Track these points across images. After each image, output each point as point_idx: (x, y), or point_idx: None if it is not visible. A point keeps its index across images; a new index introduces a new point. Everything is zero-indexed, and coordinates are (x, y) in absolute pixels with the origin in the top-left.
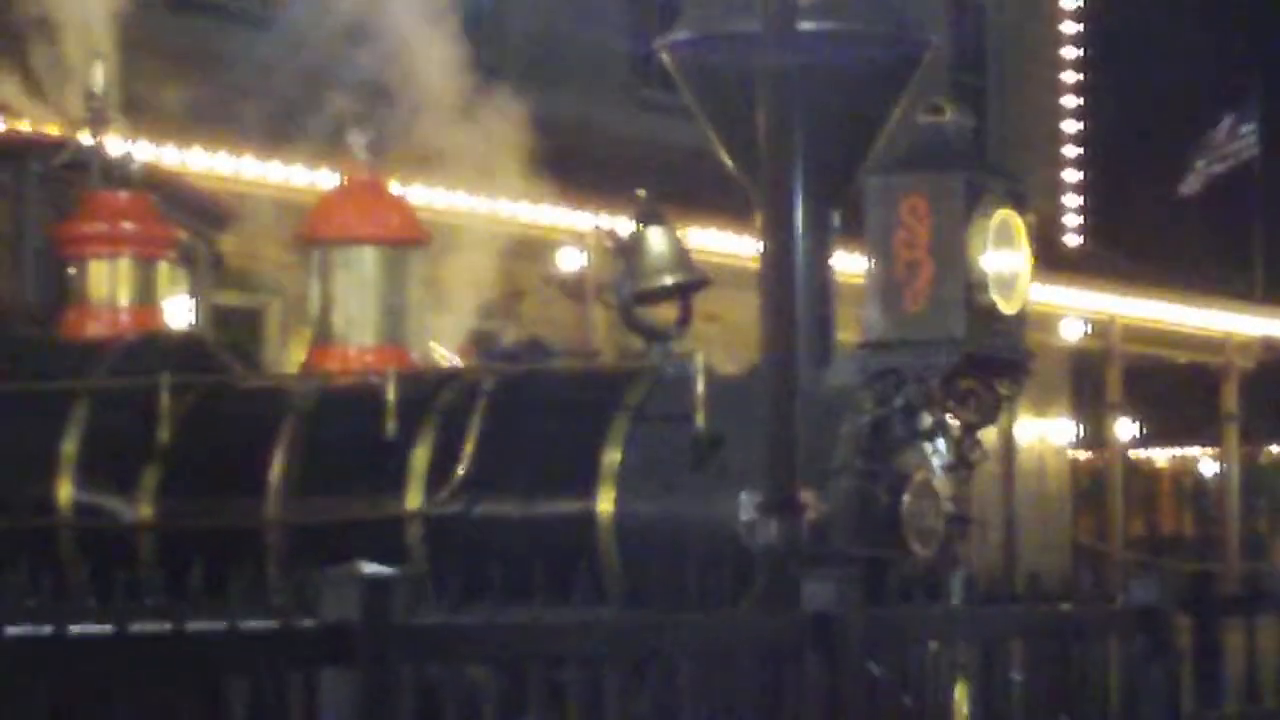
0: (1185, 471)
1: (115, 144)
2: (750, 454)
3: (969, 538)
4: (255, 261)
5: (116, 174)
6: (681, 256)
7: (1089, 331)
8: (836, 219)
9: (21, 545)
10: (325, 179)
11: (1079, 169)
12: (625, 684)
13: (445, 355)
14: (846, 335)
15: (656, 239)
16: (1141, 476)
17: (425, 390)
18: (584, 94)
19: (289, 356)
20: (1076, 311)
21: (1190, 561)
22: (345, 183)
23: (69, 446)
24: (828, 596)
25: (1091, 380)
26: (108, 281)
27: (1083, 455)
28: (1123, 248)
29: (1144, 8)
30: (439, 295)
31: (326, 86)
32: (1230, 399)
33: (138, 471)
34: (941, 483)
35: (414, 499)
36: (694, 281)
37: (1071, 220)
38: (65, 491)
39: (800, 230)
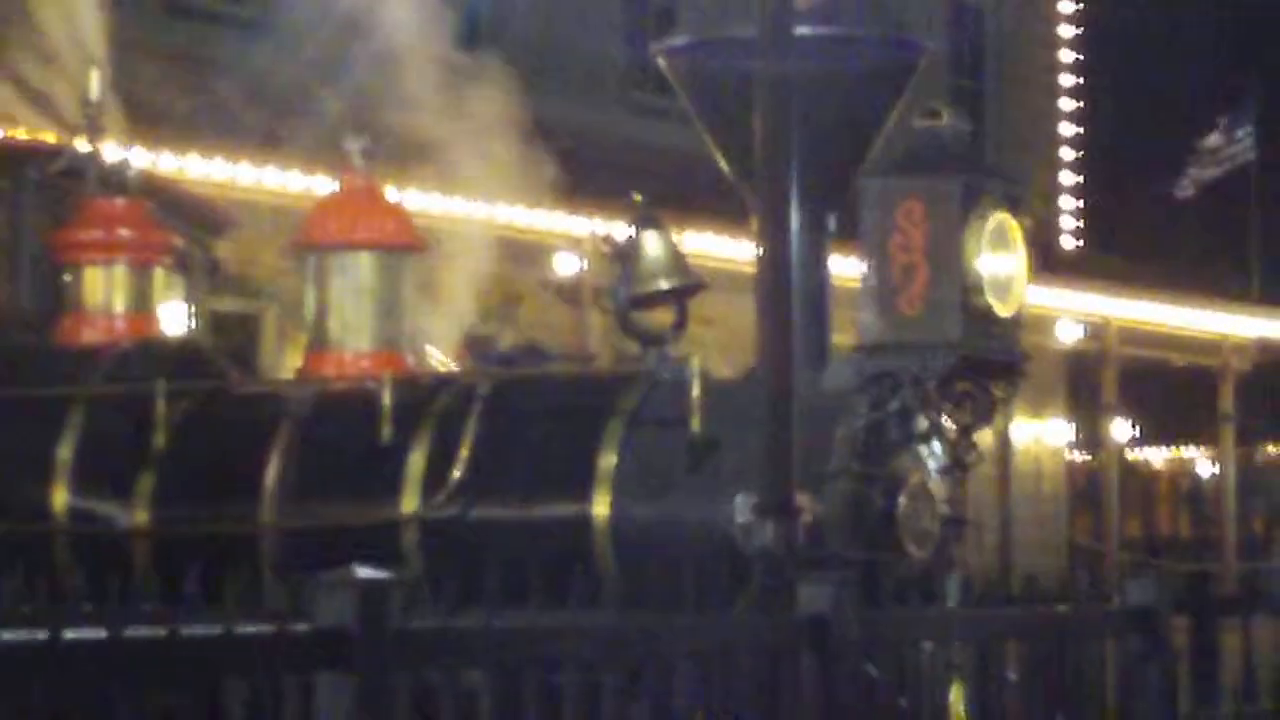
0: (1182, 473)
1: (111, 150)
2: (746, 457)
3: (965, 540)
4: (251, 267)
5: (113, 180)
6: (677, 261)
7: (1085, 333)
8: (832, 223)
9: (17, 550)
10: (321, 184)
11: (1075, 172)
12: (622, 687)
13: (441, 360)
14: (842, 338)
15: (652, 244)
16: (1138, 478)
17: (421, 395)
18: (581, 99)
19: (285, 362)
20: (1073, 314)
21: (1187, 562)
22: (341, 188)
23: (65, 452)
24: (824, 599)
25: (1088, 382)
26: (103, 288)
27: (1079, 457)
28: (1119, 250)
29: (1141, 10)
30: (435, 300)
31: (322, 92)
32: (1226, 400)
33: (133, 477)
34: (937, 485)
35: (410, 503)
36: (690, 286)
37: (1068, 222)
38: (61, 497)
39: (796, 234)
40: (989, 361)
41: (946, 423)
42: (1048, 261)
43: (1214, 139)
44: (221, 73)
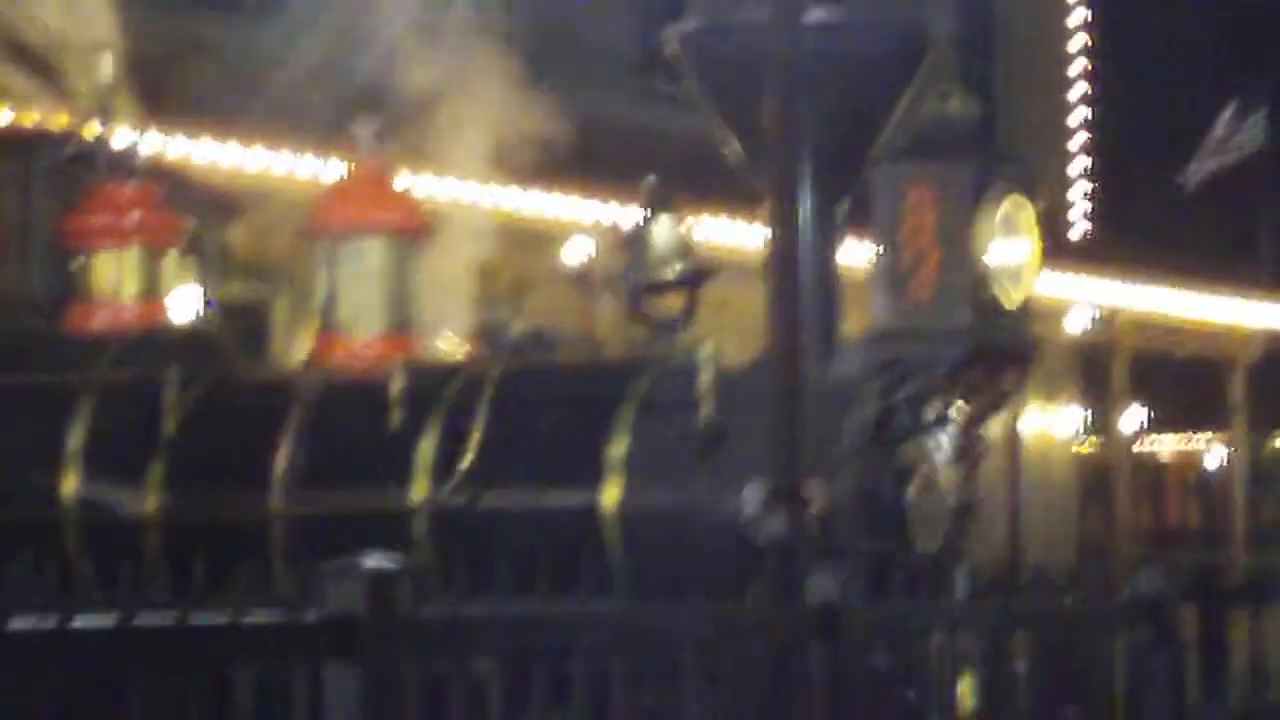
0: (1191, 463)
1: (122, 136)
2: (756, 445)
3: (974, 529)
4: (262, 253)
5: (123, 166)
6: (688, 247)
7: (1095, 322)
8: (843, 209)
9: (27, 538)
10: (331, 170)
11: (1086, 158)
12: (631, 675)
13: (452, 346)
14: (853, 326)
15: (663, 230)
16: (1147, 468)
17: (432, 382)
18: (591, 84)
19: (296, 348)
20: (1083, 302)
21: (1195, 553)
22: (351, 174)
23: (75, 439)
24: (832, 588)
25: (1097, 371)
26: (114, 274)
27: (1089, 447)
28: (1130, 238)
29: None
30: (445, 286)
31: (332, 77)
32: (1237, 390)
33: (143, 464)
34: (946, 474)
35: (420, 491)
36: (700, 273)
37: (1078, 210)
38: (70, 484)
39: (807, 220)
40: (999, 349)
41: (956, 411)
42: (1058, 249)
43: (1222, 128)
44: (232, 56)
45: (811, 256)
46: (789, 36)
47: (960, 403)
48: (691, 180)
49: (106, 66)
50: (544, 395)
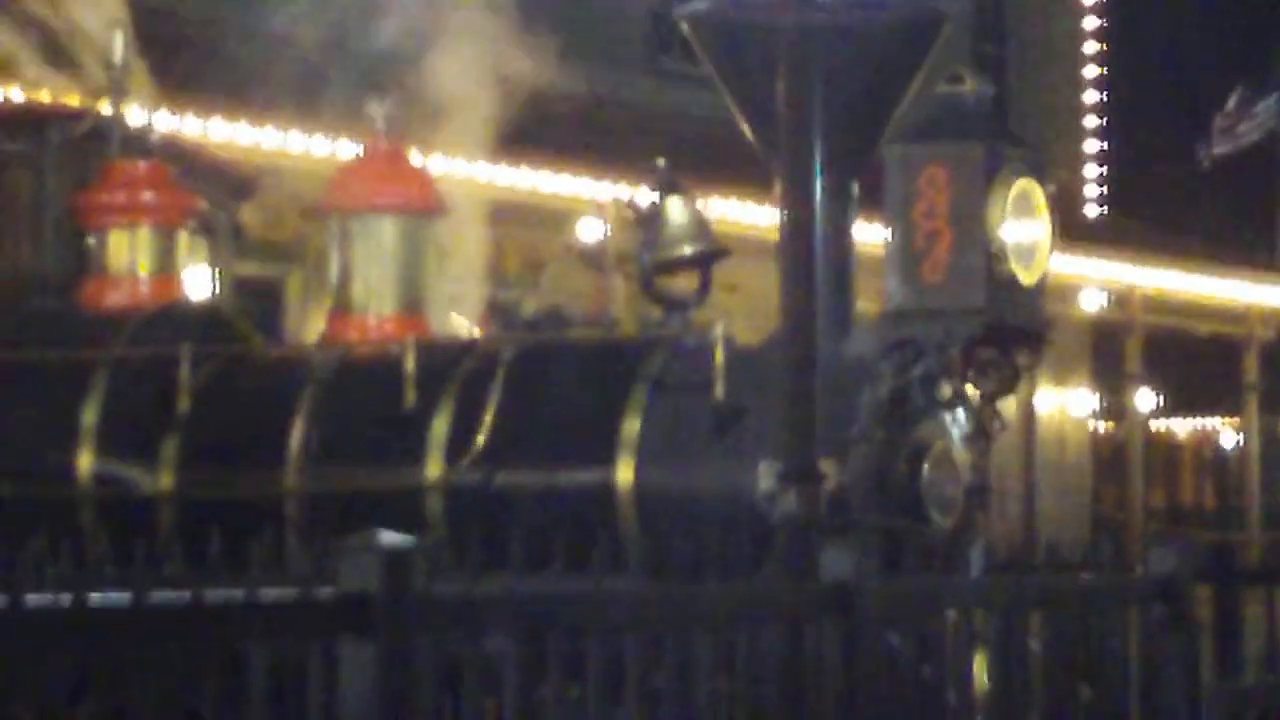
0: (1206, 442)
1: (134, 113)
2: (769, 424)
3: (988, 508)
4: (275, 231)
5: (136, 144)
6: (701, 227)
7: (1109, 302)
8: (856, 188)
9: (42, 515)
10: (345, 148)
11: (1099, 139)
12: (645, 653)
13: (465, 325)
14: (866, 305)
15: (677, 209)
16: (1161, 447)
17: (445, 360)
18: (604, 63)
19: (309, 326)
20: (1097, 282)
21: (1210, 532)
22: (365, 151)
23: (89, 417)
24: (846, 567)
25: (1111, 351)
26: (127, 252)
27: (1103, 426)
28: (1143, 218)
29: None
30: (458, 264)
31: (346, 54)
32: (1251, 369)
33: (158, 442)
34: (961, 453)
35: (433, 469)
36: (713, 252)
37: (1092, 190)
38: (85, 462)
39: (820, 200)
40: (1013, 329)
41: (970, 390)
42: (1071, 229)
43: (1231, 110)
44: (245, 34)
45: (824, 236)
46: (801, 14)
47: (974, 382)
48: (704, 159)
49: (118, 44)
50: (557, 373)
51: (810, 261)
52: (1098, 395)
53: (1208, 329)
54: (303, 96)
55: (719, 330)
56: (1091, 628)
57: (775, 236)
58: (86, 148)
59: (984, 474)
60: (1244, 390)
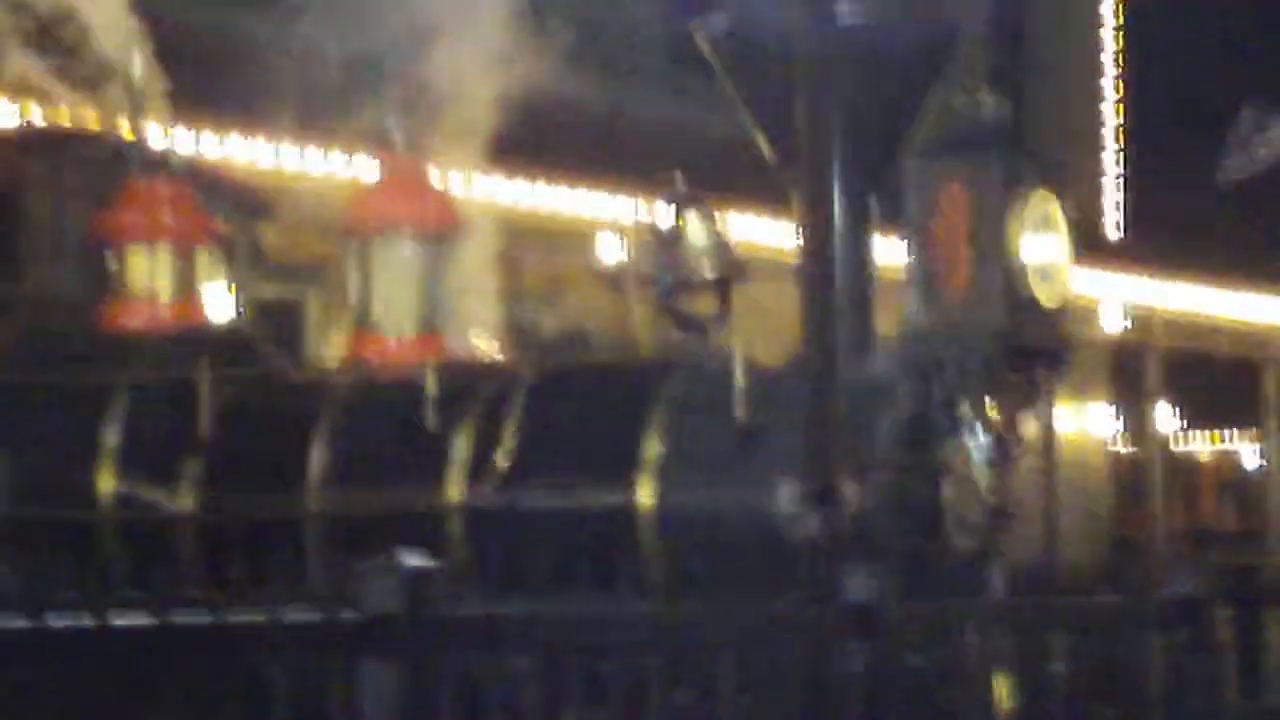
0: (1227, 463)
1: (154, 133)
2: (790, 445)
3: (1009, 529)
4: (295, 251)
5: (155, 164)
6: (722, 248)
7: (1129, 322)
8: (875, 206)
9: (64, 537)
10: (364, 167)
11: (1119, 158)
12: (666, 675)
13: (485, 346)
14: (886, 325)
15: (697, 230)
16: (1182, 468)
17: (466, 381)
18: (621, 80)
19: (330, 347)
20: (1117, 302)
21: (1232, 553)
22: (385, 171)
23: (110, 438)
24: (868, 588)
25: (1132, 371)
26: (148, 272)
27: (1124, 447)
28: (1163, 236)
29: None
30: (479, 285)
31: (365, 73)
32: (1272, 390)
33: (179, 463)
34: (981, 474)
35: (454, 490)
36: (735, 271)
37: (1111, 209)
38: (107, 483)
39: (839, 218)
40: (1033, 349)
41: (991, 411)
42: (1091, 248)
43: (1245, 130)
44: (264, 54)
45: (843, 256)
46: (819, 34)
47: (995, 402)
48: (722, 177)
49: (137, 64)
50: (578, 395)
51: (830, 280)
52: (1118, 416)
53: (1228, 349)
54: (323, 116)
55: (739, 352)
56: (1114, 649)
57: (794, 255)
58: (106, 169)
59: (1004, 495)
60: (1265, 410)
